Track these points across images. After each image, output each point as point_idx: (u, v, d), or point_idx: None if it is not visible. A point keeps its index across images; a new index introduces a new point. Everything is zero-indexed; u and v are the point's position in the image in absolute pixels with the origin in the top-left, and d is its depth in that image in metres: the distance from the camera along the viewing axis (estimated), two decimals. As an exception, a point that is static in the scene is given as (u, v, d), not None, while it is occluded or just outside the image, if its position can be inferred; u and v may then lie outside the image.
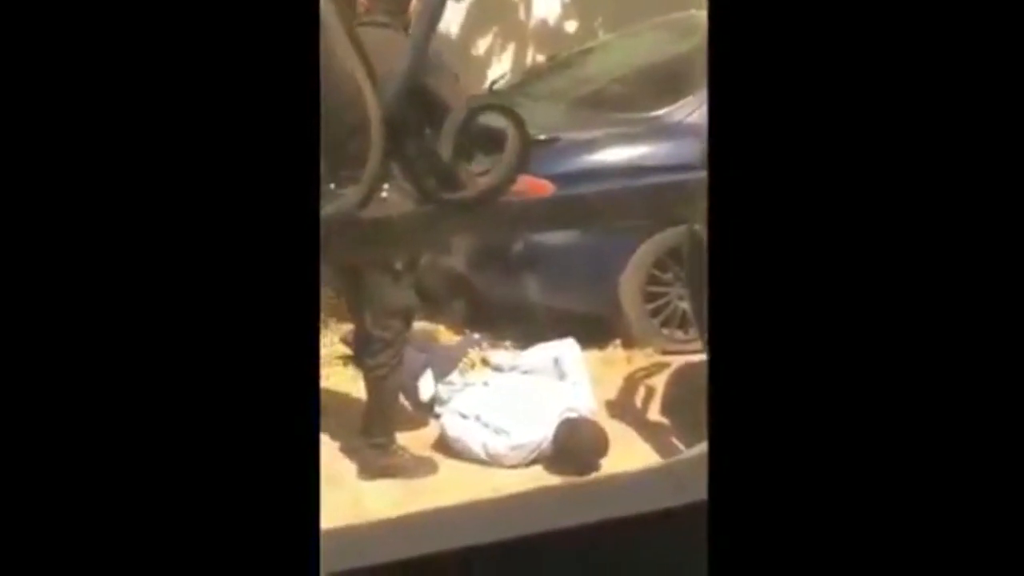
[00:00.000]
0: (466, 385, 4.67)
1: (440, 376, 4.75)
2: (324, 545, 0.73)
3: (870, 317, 0.77)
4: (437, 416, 4.65)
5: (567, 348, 4.77)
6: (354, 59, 0.76)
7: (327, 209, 0.79)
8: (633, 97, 5.61)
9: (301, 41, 0.72)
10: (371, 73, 0.78)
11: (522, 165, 0.77)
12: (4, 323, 0.69)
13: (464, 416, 4.52)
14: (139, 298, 0.70)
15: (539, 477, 4.39)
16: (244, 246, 0.71)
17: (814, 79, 0.76)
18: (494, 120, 0.84)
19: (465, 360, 4.81)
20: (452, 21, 7.18)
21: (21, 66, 0.69)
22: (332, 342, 5.17)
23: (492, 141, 0.85)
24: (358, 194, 0.80)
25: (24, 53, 0.69)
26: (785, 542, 0.76)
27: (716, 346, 0.77)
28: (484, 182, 0.76)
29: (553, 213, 0.78)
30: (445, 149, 0.80)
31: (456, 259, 5.33)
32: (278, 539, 0.72)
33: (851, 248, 0.77)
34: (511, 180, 0.76)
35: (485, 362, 4.82)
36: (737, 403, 0.76)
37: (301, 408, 0.72)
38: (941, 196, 0.76)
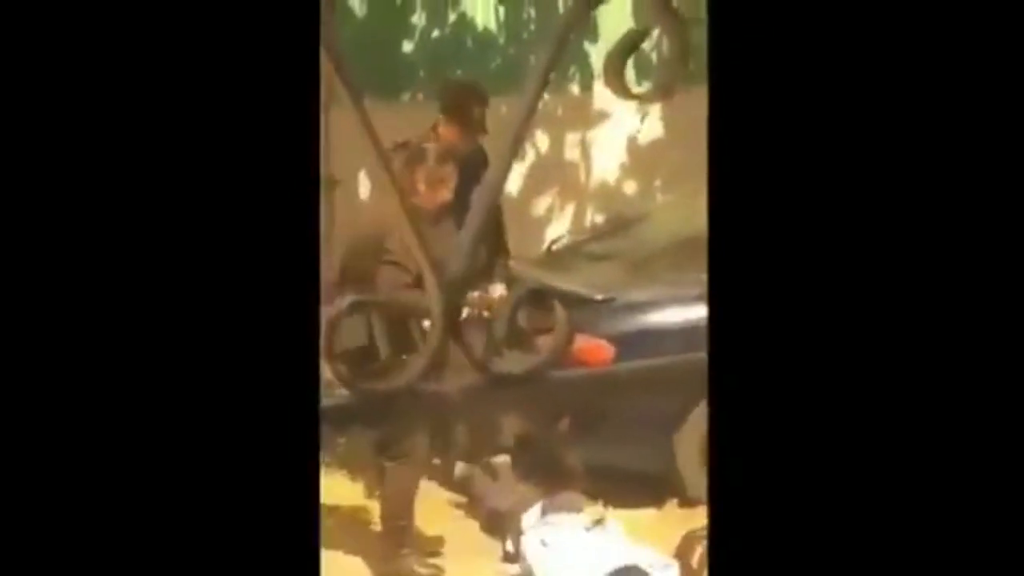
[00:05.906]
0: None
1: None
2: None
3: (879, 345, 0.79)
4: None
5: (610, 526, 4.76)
6: (417, 249, 0.83)
7: (392, 381, 0.85)
8: (690, 260, 5.68)
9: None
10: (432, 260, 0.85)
11: (569, 346, 0.84)
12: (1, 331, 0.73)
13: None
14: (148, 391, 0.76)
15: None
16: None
17: (813, 83, 0.80)
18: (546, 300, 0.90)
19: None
20: (512, 181, 7.32)
21: (23, 68, 0.73)
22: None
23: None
24: (419, 366, 0.86)
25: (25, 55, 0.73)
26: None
27: (717, 356, 0.80)
28: (533, 360, 0.82)
29: (600, 387, 0.84)
30: (499, 330, 0.87)
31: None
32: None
33: (859, 265, 0.79)
34: (559, 358, 0.83)
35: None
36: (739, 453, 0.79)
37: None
38: (935, 204, 0.79)
